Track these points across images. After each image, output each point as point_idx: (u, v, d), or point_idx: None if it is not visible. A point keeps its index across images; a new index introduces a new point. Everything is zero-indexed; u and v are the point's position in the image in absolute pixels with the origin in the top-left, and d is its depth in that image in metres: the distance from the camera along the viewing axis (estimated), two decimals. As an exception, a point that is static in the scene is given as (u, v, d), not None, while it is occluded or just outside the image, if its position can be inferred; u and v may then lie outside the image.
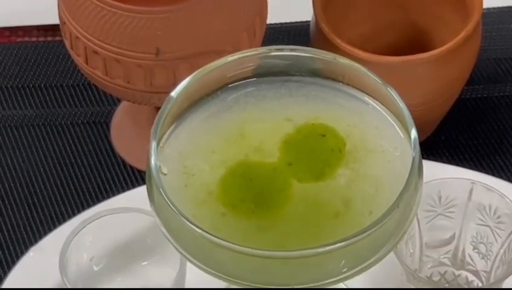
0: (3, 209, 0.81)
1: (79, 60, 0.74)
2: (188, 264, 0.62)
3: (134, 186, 0.80)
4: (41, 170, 0.83)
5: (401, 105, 0.61)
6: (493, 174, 0.77)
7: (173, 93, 0.62)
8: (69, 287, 0.68)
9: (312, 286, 0.60)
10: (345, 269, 0.59)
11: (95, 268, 0.72)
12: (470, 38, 0.75)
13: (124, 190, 0.79)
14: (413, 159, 0.59)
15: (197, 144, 0.63)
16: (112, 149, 0.84)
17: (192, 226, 0.58)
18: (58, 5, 0.74)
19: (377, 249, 0.60)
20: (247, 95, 0.64)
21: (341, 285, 0.74)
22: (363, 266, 0.60)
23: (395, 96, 0.61)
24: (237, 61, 0.64)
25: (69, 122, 0.85)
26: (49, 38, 0.89)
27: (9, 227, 0.80)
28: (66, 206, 0.81)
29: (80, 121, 0.85)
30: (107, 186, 0.82)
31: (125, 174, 0.83)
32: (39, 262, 0.73)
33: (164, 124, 0.62)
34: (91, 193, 0.82)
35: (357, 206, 0.60)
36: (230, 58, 0.63)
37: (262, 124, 0.63)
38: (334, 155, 0.62)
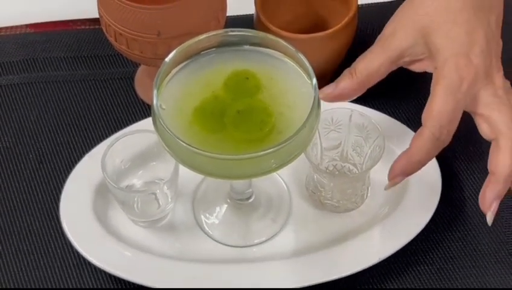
0: (67, 129, 0.79)
1: (111, 40, 0.73)
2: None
3: (149, 117, 0.79)
4: (92, 106, 0.81)
5: (307, 64, 0.61)
6: (365, 105, 0.75)
7: (167, 59, 0.61)
8: (108, 180, 0.67)
9: (255, 175, 0.60)
10: (274, 165, 0.59)
11: (123, 167, 0.71)
12: (350, 23, 0.75)
13: (142, 119, 0.77)
14: (314, 97, 0.59)
15: (183, 90, 0.62)
16: (136, 95, 0.82)
17: (181, 142, 0.58)
18: (98, 5, 0.73)
19: (294, 152, 0.60)
20: (213, 58, 0.63)
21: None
22: (285, 162, 0.60)
23: (303, 58, 0.61)
24: (207, 38, 0.63)
25: (108, 78, 0.83)
26: (97, 26, 0.86)
27: (70, 141, 0.78)
28: (107, 129, 0.79)
29: (115, 77, 0.83)
30: (133, 116, 0.81)
31: (144, 110, 0.81)
32: (90, 163, 0.73)
33: (161, 78, 0.61)
34: (123, 120, 0.80)
35: (271, 128, 0.60)
36: (202, 36, 0.62)
37: (219, 76, 0.62)
38: (259, 92, 0.61)
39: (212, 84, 0.62)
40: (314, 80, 0.59)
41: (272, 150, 0.57)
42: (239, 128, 0.60)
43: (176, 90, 0.61)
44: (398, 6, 0.86)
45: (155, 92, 0.60)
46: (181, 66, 0.62)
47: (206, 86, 0.62)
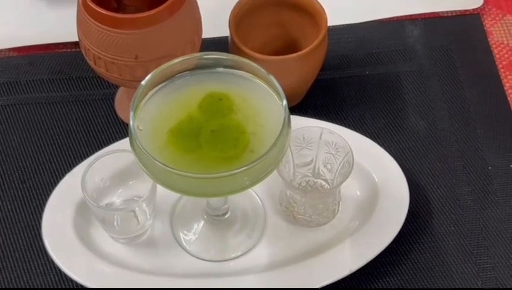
0: (50, 149, 0.79)
1: (90, 63, 0.74)
2: (156, 183, 0.62)
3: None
4: (74, 126, 0.81)
5: (277, 85, 0.61)
6: (335, 123, 0.76)
7: (143, 82, 0.61)
8: (88, 198, 0.67)
9: (229, 192, 0.60)
10: (248, 182, 0.60)
11: (103, 185, 0.71)
12: (320, 45, 0.75)
13: (122, 138, 0.77)
14: (284, 117, 0.60)
15: (159, 111, 0.62)
16: (116, 115, 0.82)
17: (157, 162, 0.58)
18: (77, 29, 0.73)
19: (266, 170, 0.60)
20: (188, 80, 0.63)
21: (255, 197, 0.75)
22: (258, 179, 0.60)
23: (273, 80, 0.61)
24: (182, 62, 0.63)
25: (89, 99, 0.83)
26: (78, 49, 0.86)
27: (53, 160, 0.79)
28: (89, 148, 0.80)
29: (96, 98, 0.83)
30: (113, 136, 0.81)
31: (124, 129, 0.81)
32: (71, 182, 0.73)
33: (138, 100, 0.61)
34: (103, 140, 0.80)
35: (245, 145, 0.60)
36: (177, 60, 0.63)
37: (194, 97, 0.62)
38: (233, 113, 0.61)
39: (187, 106, 0.62)
40: (285, 101, 0.60)
41: (244, 168, 0.58)
42: (214, 147, 0.60)
43: (153, 111, 0.62)
44: (367, 28, 0.88)
45: (132, 113, 0.60)
46: (157, 88, 0.63)
47: (181, 107, 0.62)
